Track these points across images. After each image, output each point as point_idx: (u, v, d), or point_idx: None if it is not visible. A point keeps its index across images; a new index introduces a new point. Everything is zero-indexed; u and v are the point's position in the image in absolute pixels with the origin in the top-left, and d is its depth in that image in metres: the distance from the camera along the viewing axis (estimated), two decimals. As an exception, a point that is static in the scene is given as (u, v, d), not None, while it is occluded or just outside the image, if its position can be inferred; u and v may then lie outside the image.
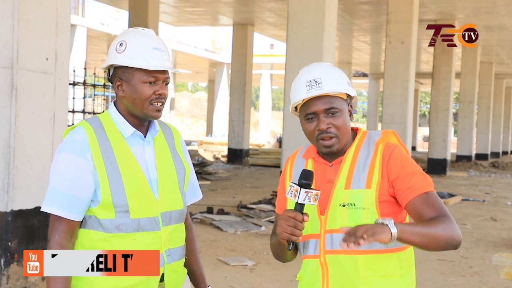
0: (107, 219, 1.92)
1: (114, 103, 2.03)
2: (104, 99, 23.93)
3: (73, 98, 18.20)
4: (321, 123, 1.89)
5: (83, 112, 18.87)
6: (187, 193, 2.14)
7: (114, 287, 1.93)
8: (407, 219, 1.97)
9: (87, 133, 1.94)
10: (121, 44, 1.96)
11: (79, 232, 1.97)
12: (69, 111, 16.55)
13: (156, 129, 2.05)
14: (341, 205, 1.88)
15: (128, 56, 1.94)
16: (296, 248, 2.02)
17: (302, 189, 1.80)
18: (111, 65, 1.99)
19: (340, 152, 1.94)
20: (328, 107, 1.89)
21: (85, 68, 19.63)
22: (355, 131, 2.00)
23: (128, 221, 1.92)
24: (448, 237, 1.77)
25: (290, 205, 1.95)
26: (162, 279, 1.99)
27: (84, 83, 18.72)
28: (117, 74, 1.97)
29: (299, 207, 1.81)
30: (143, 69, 1.93)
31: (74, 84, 17.63)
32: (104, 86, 20.78)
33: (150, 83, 1.94)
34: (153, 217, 1.96)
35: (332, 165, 1.94)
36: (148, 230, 1.95)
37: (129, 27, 15.26)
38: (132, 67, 1.94)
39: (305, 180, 1.83)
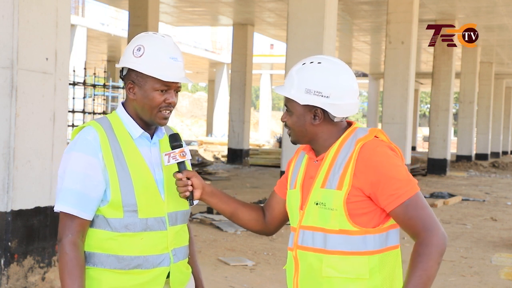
0: (115, 218, 1.94)
1: (123, 104, 2.06)
2: (104, 99, 23.93)
3: (73, 98, 18.20)
4: (282, 115, 2.00)
5: (83, 112, 18.87)
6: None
7: (122, 286, 1.95)
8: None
9: (98, 133, 1.96)
10: (139, 49, 1.97)
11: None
12: (69, 111, 16.55)
13: (163, 132, 2.09)
14: (316, 203, 1.89)
15: (144, 63, 1.96)
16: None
17: (162, 154, 2.01)
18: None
19: (325, 148, 1.94)
20: (285, 103, 1.97)
21: (85, 68, 19.62)
22: (349, 124, 1.97)
23: (137, 220, 1.94)
24: (436, 261, 1.77)
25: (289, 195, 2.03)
26: (167, 278, 2.02)
27: (84, 83, 18.71)
28: (130, 77, 2.00)
29: (178, 166, 2.02)
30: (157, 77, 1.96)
31: (74, 84, 17.62)
32: (104, 86, 20.77)
33: (162, 91, 1.98)
34: (160, 217, 1.99)
35: (316, 161, 1.96)
36: (156, 230, 1.98)
37: (129, 27, 15.29)
38: (147, 74, 1.97)
39: (171, 142, 2.03)
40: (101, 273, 1.95)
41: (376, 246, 1.86)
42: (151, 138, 2.05)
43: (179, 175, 1.99)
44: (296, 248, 1.94)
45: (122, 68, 2.03)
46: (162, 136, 2.08)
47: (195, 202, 2.04)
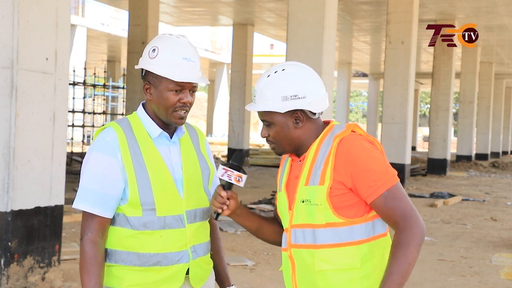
0: (135, 217, 1.99)
1: (143, 104, 2.11)
2: (104, 99, 23.94)
3: (73, 98, 18.22)
4: (262, 131, 2.02)
5: (83, 112, 18.88)
6: (211, 191, 2.20)
7: (142, 283, 2.01)
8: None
9: (117, 134, 2.01)
10: (154, 50, 2.02)
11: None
12: (69, 111, 16.55)
13: (182, 131, 2.13)
14: (302, 201, 1.94)
15: (157, 63, 2.00)
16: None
17: (220, 165, 2.01)
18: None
19: (306, 148, 1.99)
20: (262, 118, 2.00)
21: (85, 68, 19.65)
22: (327, 124, 2.03)
23: (155, 218, 1.99)
24: (416, 248, 1.82)
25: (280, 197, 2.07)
26: (187, 275, 2.07)
27: (84, 83, 18.73)
28: (147, 78, 2.05)
29: (225, 183, 2.02)
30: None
31: (74, 84, 17.63)
32: (104, 86, 20.78)
33: (176, 91, 2.01)
34: (178, 214, 2.03)
35: (299, 161, 2.01)
36: (174, 227, 2.02)
37: (129, 27, 15.27)
38: (159, 75, 2.01)
39: (234, 161, 2.03)
40: (122, 271, 2.01)
41: (364, 235, 1.91)
42: (171, 137, 2.09)
43: (224, 194, 2.01)
44: (289, 247, 1.98)
45: (142, 69, 2.08)
46: (182, 135, 2.11)
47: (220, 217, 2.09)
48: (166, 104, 2.01)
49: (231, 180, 2.01)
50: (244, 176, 2.02)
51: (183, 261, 2.04)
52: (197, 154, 2.14)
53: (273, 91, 1.94)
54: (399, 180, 1.91)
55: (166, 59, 2.00)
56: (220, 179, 2.03)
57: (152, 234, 1.99)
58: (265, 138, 2.02)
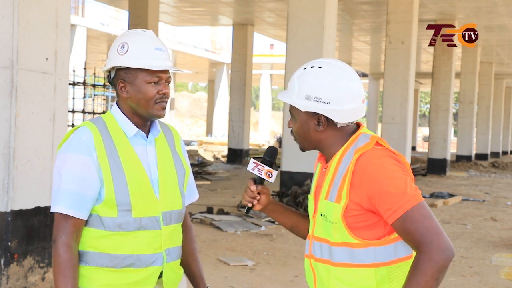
0: (109, 217, 1.93)
1: (117, 103, 2.05)
2: (104, 99, 23.93)
3: (73, 98, 18.20)
4: (289, 120, 1.97)
5: (83, 112, 18.87)
6: (185, 193, 2.16)
7: (113, 283, 1.95)
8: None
9: (92, 133, 1.95)
10: (123, 46, 1.97)
11: None
12: (69, 111, 16.54)
13: (158, 130, 2.07)
14: (321, 214, 1.88)
15: (131, 57, 1.96)
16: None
17: (252, 159, 2.01)
18: (113, 67, 2.01)
19: (331, 156, 1.90)
20: (289, 110, 1.95)
21: (85, 68, 19.63)
22: (358, 127, 1.92)
23: (130, 219, 1.94)
24: (433, 276, 1.68)
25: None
26: (160, 278, 2.01)
27: (84, 83, 18.71)
28: (119, 76, 1.99)
29: (256, 177, 2.01)
30: (146, 69, 1.96)
31: (74, 84, 17.62)
32: (104, 86, 20.77)
33: (154, 83, 1.97)
34: (154, 216, 1.98)
35: (325, 168, 1.93)
36: (149, 229, 1.96)
37: (129, 27, 15.28)
38: (135, 68, 1.96)
39: (266, 156, 2.02)
40: (92, 272, 1.94)
41: (383, 258, 1.82)
42: (147, 137, 2.04)
43: (254, 188, 2.00)
44: (310, 257, 1.93)
45: (109, 72, 2.03)
46: (157, 134, 2.06)
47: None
48: (146, 97, 1.96)
49: (261, 175, 1.98)
50: (275, 172, 1.99)
51: (157, 263, 1.98)
52: (172, 154, 2.09)
53: (301, 87, 1.85)
54: (422, 200, 1.76)
55: (138, 51, 1.95)
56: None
57: (127, 235, 1.93)
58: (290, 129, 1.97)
